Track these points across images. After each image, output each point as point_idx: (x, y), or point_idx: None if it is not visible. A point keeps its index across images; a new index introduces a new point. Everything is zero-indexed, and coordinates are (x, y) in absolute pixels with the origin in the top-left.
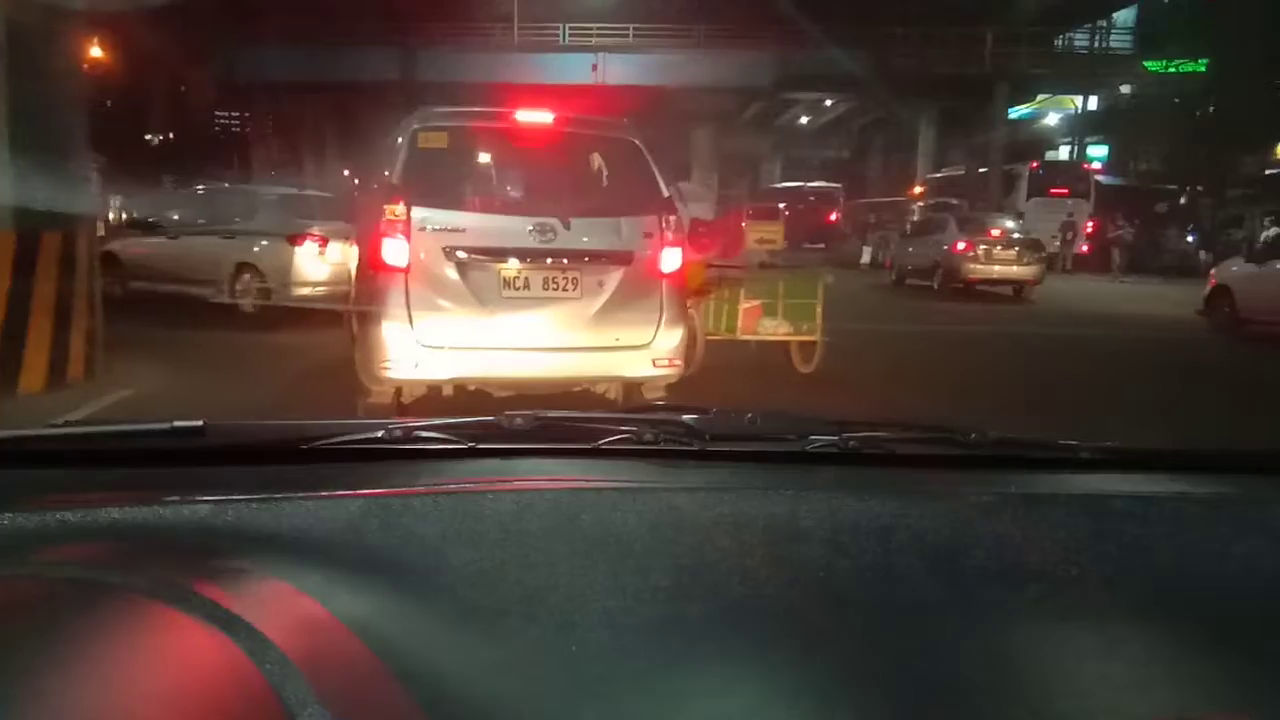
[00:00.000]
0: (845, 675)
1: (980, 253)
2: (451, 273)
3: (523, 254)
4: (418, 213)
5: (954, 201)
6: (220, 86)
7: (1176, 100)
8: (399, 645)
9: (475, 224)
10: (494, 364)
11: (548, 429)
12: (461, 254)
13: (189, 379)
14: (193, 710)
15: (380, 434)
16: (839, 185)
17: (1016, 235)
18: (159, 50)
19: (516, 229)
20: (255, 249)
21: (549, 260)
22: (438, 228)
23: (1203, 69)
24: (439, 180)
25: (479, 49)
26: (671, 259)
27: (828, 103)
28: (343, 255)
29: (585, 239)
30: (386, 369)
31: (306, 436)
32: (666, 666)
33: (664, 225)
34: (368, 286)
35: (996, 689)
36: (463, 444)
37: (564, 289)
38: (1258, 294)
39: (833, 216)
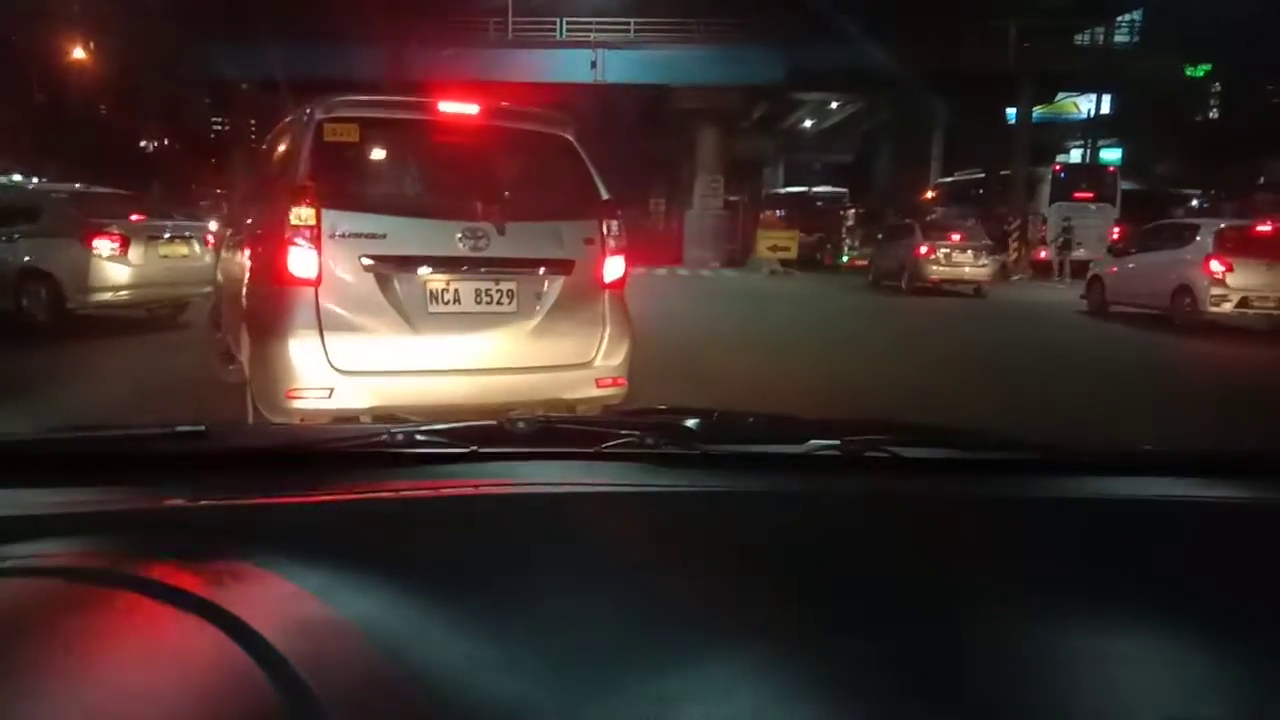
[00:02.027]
0: (846, 678)
1: (940, 256)
2: (369, 286)
3: (451, 263)
4: (329, 217)
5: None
6: (188, 86)
7: (1193, 101)
8: (400, 647)
9: (396, 229)
10: (420, 390)
11: (549, 433)
12: (381, 264)
13: None
14: (194, 712)
15: (382, 437)
16: (845, 190)
17: (973, 241)
18: (124, 48)
19: (443, 235)
20: (43, 252)
21: (481, 270)
22: (352, 234)
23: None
24: (352, 179)
25: (471, 44)
26: (614, 268)
27: (833, 105)
28: (144, 257)
29: (521, 246)
30: (295, 398)
31: (309, 440)
32: (667, 668)
33: (605, 231)
34: (267, 303)
35: (998, 691)
36: (464, 447)
37: (498, 302)
38: (1117, 281)
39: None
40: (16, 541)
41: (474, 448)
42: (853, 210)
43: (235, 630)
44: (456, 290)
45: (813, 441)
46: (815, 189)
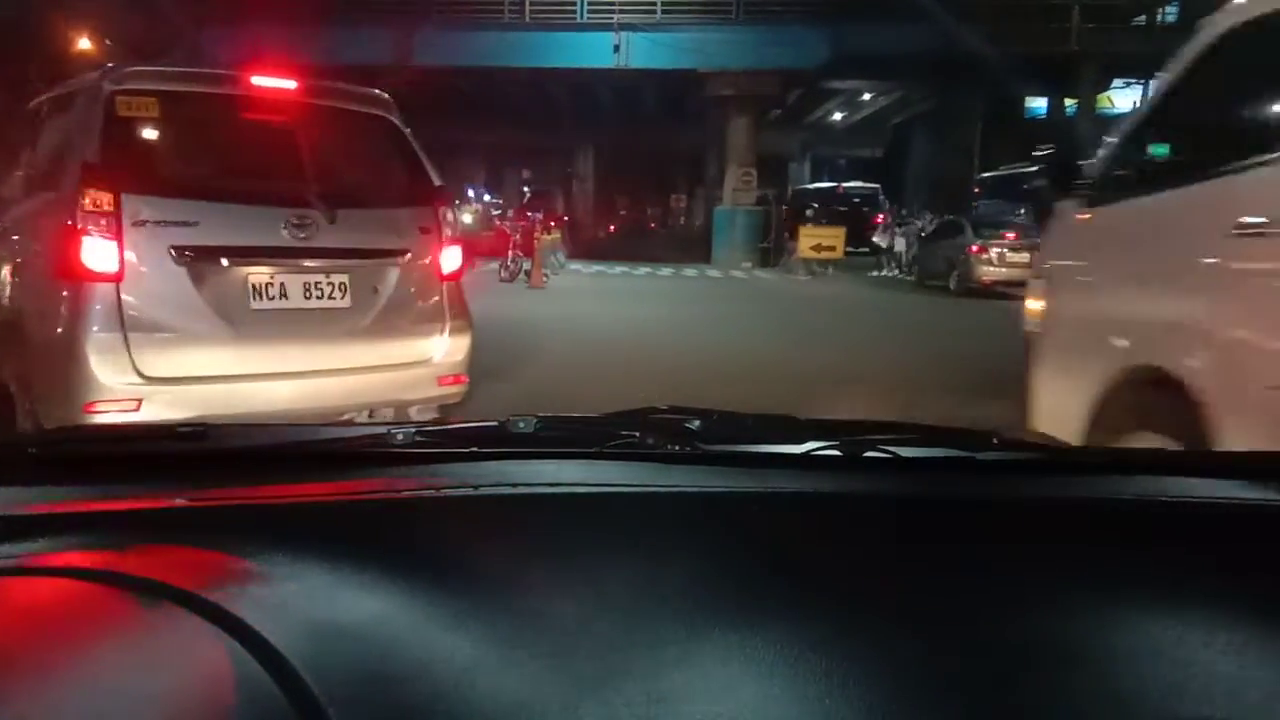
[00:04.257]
0: (846, 678)
1: (993, 255)
2: (181, 280)
3: (276, 253)
4: (130, 202)
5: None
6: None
7: None
8: (400, 647)
9: (210, 216)
10: (244, 397)
11: (549, 432)
12: (193, 255)
13: None
14: (194, 712)
15: (382, 437)
16: (878, 186)
17: (1028, 239)
18: (119, 30)
19: (266, 223)
20: None
21: (310, 261)
22: (158, 221)
23: None
24: (154, 160)
25: (484, 27)
26: (452, 258)
27: (866, 96)
28: None
29: (353, 235)
30: (95, 412)
31: (308, 440)
32: (668, 667)
33: (441, 219)
34: (54, 304)
35: (999, 691)
36: (464, 447)
37: (330, 296)
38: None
39: (879, 218)
40: (15, 541)
41: (474, 448)
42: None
43: (235, 630)
44: (282, 284)
45: (813, 441)
46: (846, 185)
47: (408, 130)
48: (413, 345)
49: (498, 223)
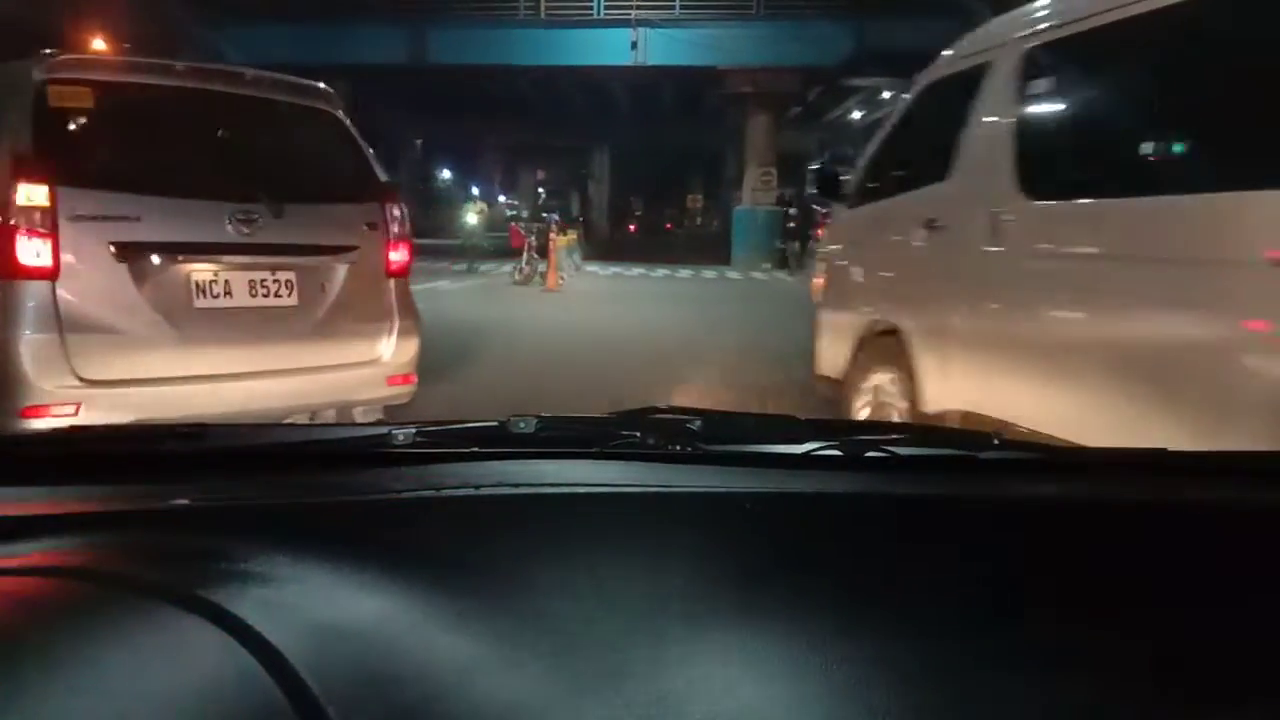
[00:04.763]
0: (846, 678)
1: None
2: (121, 278)
3: (220, 250)
4: (66, 196)
5: None
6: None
7: None
8: (400, 647)
9: (152, 211)
10: (188, 399)
11: (550, 432)
12: (134, 252)
13: None
14: (194, 713)
15: (383, 437)
16: None
17: None
18: (134, 32)
19: (210, 218)
20: None
21: (256, 258)
22: (97, 216)
23: None
24: (92, 152)
25: (499, 25)
26: (400, 255)
27: (885, 94)
28: None
29: (300, 230)
30: (33, 417)
31: (309, 440)
32: (669, 667)
33: (388, 215)
34: None
35: (999, 691)
36: (465, 447)
37: (276, 294)
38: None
39: None
40: (15, 541)
41: (474, 448)
42: None
43: (236, 631)
44: (227, 281)
45: (813, 442)
46: None
47: (349, 123)
48: (361, 345)
49: (513, 224)
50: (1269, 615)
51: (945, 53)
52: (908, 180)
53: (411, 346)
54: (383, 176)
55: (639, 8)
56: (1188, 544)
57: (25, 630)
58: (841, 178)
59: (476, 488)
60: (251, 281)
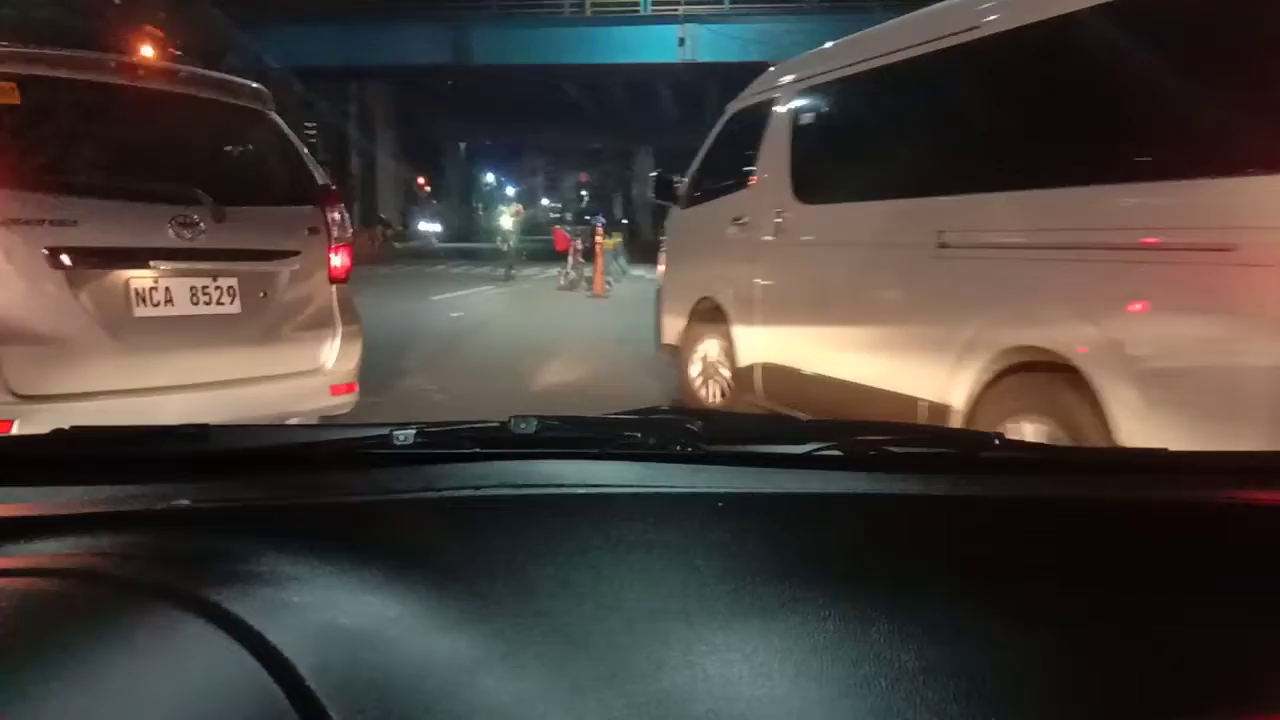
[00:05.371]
0: (847, 676)
1: None
2: (57, 285)
3: (160, 255)
4: None
5: None
6: (238, 72)
7: None
8: (403, 648)
9: (90, 215)
10: (127, 413)
11: (550, 433)
12: (71, 257)
13: None
14: (195, 713)
15: (384, 437)
16: None
17: None
18: (179, 35)
19: (150, 222)
20: None
21: (197, 263)
22: (29, 220)
23: None
24: (22, 151)
25: (544, 24)
26: (341, 259)
27: None
28: None
29: (242, 235)
30: None
31: (310, 440)
32: (669, 668)
33: (329, 219)
34: None
35: (999, 690)
36: (465, 448)
37: (219, 302)
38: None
39: None
40: (16, 541)
41: (475, 448)
42: None
43: (236, 631)
44: (168, 288)
45: (813, 442)
46: None
47: (283, 124)
48: (305, 353)
49: (556, 228)
50: (1270, 613)
51: (745, 91)
52: (723, 187)
53: (354, 354)
54: (320, 178)
55: (687, 3)
56: (1188, 543)
57: (25, 630)
58: (675, 183)
59: (477, 488)
60: (193, 288)
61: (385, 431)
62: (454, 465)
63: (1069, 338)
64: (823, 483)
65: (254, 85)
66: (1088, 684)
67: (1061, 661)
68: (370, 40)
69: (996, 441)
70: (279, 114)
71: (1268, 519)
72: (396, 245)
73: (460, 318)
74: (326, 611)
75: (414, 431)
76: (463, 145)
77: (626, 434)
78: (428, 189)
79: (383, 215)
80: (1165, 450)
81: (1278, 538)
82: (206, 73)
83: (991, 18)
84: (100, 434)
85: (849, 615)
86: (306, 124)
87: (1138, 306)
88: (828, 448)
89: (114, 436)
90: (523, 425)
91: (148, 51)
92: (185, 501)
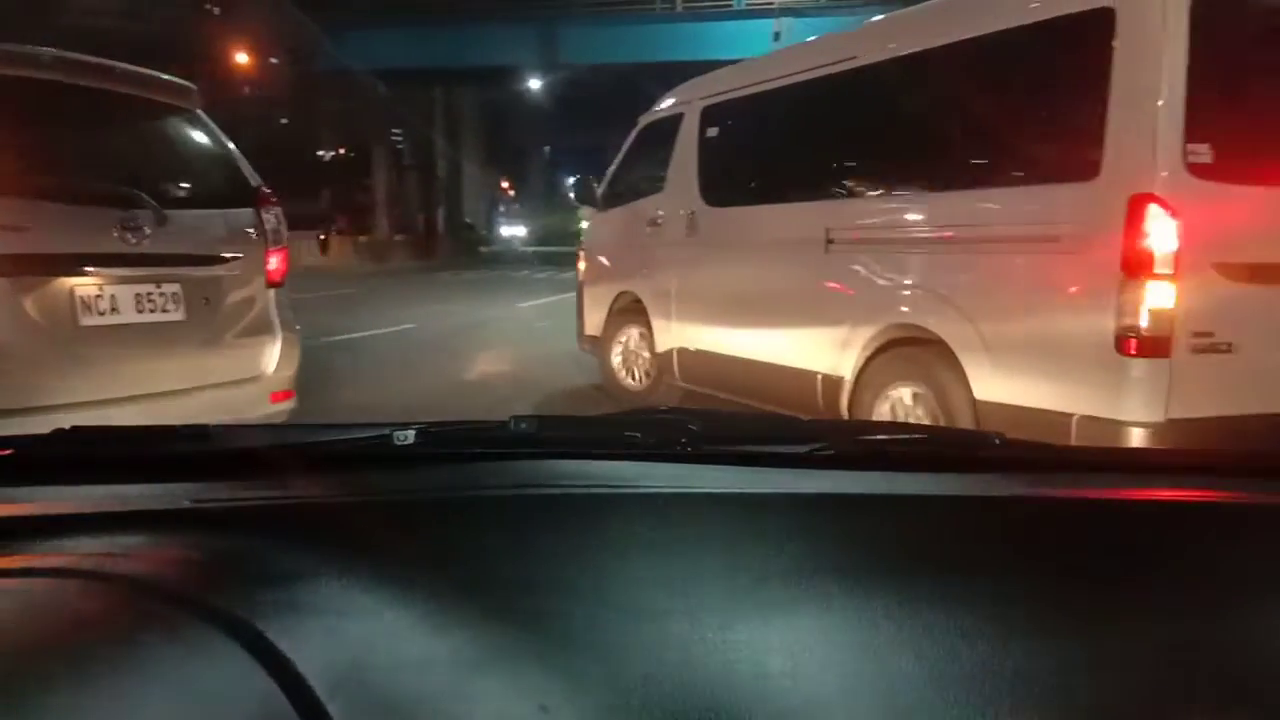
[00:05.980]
0: (846, 677)
1: None
2: (1, 294)
3: (105, 261)
4: None
5: None
6: (325, 76)
7: None
8: (403, 647)
9: (36, 219)
10: None
11: (552, 432)
12: (14, 264)
13: None
14: (195, 713)
15: (385, 438)
16: None
17: None
18: (267, 39)
19: (96, 227)
20: None
21: (142, 269)
22: None
23: None
24: None
25: (634, 21)
26: (278, 264)
27: None
28: None
29: (184, 239)
30: None
31: (312, 441)
32: (669, 668)
33: (265, 222)
34: None
35: (1001, 692)
36: (467, 448)
37: (164, 309)
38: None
39: None
40: (15, 541)
41: (475, 448)
42: None
43: (236, 630)
44: (113, 296)
45: (813, 442)
46: None
47: (213, 123)
48: (246, 360)
49: None
50: (1270, 613)
51: (655, 105)
52: (638, 191)
53: (294, 360)
54: (254, 180)
55: None
56: (1188, 542)
57: (26, 630)
58: (594, 187)
59: (478, 488)
60: (138, 295)
61: (385, 432)
62: (454, 465)
63: (934, 316)
64: (822, 482)
65: (181, 81)
66: (1089, 683)
67: (1062, 661)
68: (452, 41)
69: (996, 441)
70: (370, 119)
71: (1268, 518)
72: (481, 250)
73: (545, 327)
74: (327, 611)
75: (414, 432)
76: (547, 149)
77: (626, 433)
78: (511, 193)
79: (468, 220)
80: (1165, 450)
81: (1277, 537)
82: (129, 67)
83: (868, 49)
84: (101, 434)
85: (849, 614)
86: (393, 130)
87: (987, 287)
88: (827, 447)
89: (115, 436)
90: (523, 425)
91: (242, 59)
92: (186, 502)
